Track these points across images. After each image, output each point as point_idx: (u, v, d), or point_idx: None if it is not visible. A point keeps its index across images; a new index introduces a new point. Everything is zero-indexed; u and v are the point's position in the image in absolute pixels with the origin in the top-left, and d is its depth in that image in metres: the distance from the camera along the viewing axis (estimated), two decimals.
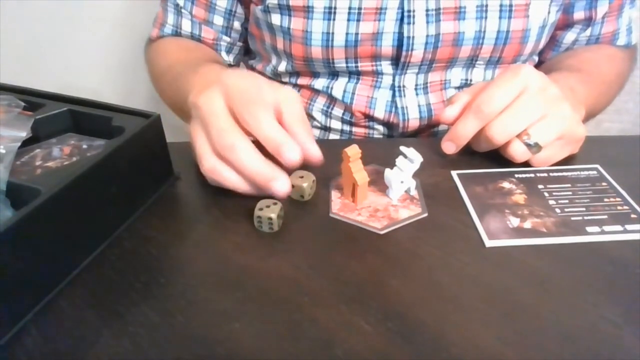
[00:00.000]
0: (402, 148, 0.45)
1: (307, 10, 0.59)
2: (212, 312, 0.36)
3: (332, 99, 0.66)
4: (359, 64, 0.62)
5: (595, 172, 0.49)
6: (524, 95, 0.46)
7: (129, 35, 1.13)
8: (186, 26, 0.70)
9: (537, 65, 0.71)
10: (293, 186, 0.45)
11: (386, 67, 0.62)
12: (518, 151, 0.48)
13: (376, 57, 0.61)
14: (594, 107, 0.61)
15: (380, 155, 0.50)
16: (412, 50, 0.59)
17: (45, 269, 0.37)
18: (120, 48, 1.18)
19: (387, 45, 0.60)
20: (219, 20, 0.69)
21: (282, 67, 0.66)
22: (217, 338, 0.34)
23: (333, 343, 0.33)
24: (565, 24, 0.67)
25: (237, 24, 0.70)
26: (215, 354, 0.33)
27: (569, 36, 0.68)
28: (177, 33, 0.71)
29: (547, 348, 0.33)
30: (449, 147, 0.50)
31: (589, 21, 0.66)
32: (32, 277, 0.36)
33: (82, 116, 0.48)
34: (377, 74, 0.63)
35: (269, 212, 0.42)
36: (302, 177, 0.46)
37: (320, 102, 0.67)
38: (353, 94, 0.65)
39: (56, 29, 1.14)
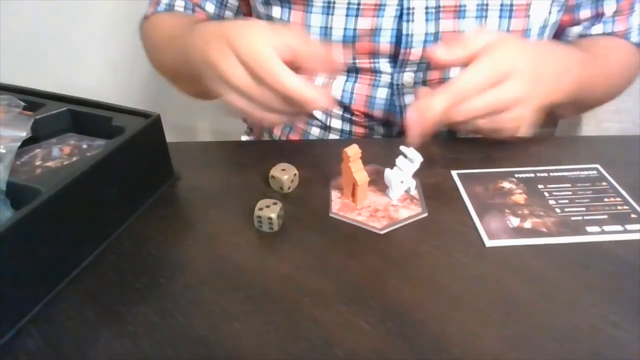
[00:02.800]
0: (402, 148, 0.45)
1: (307, 4, 0.59)
2: (212, 312, 0.36)
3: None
4: (357, 61, 0.62)
5: (595, 172, 0.49)
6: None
7: (130, 35, 1.12)
8: (179, 7, 0.70)
9: None
10: (273, 177, 0.47)
11: (384, 64, 0.62)
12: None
13: (374, 54, 0.61)
14: (589, 80, 0.58)
15: (380, 155, 0.50)
16: (410, 48, 0.59)
17: (45, 269, 0.37)
18: (120, 48, 1.18)
19: (385, 42, 0.60)
20: (210, 7, 0.70)
21: None
22: (217, 338, 0.34)
23: (333, 343, 0.33)
24: (571, 24, 0.67)
25: (228, 14, 0.70)
26: (215, 354, 0.33)
27: (575, 29, 0.67)
28: (170, 11, 0.70)
29: (547, 348, 0.33)
30: (413, 117, 0.47)
31: (595, 18, 0.66)
32: (32, 277, 0.36)
33: (82, 116, 0.48)
34: (375, 71, 0.63)
35: (269, 212, 0.42)
36: (284, 169, 0.47)
37: None
38: (352, 93, 0.65)
39: (56, 29, 1.14)
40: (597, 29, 0.67)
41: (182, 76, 0.63)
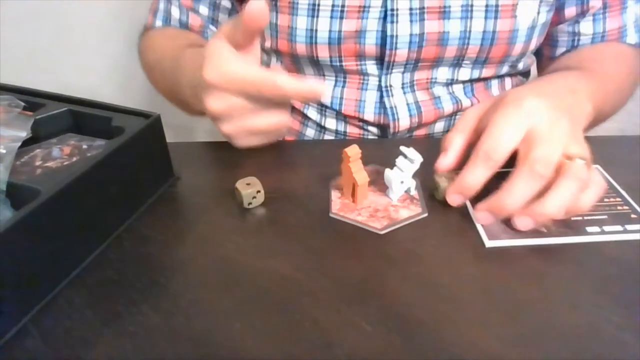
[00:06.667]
0: (402, 148, 0.45)
1: (292, 7, 0.59)
2: (212, 312, 0.36)
3: (322, 103, 0.67)
4: (344, 63, 0.62)
5: None
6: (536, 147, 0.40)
7: (129, 35, 1.13)
8: (175, 13, 0.71)
9: (537, 65, 0.71)
10: (236, 189, 0.45)
11: (371, 67, 0.62)
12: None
13: (360, 56, 0.61)
14: (602, 105, 0.56)
15: (380, 155, 0.50)
16: (395, 49, 0.59)
17: (45, 269, 0.37)
18: (120, 47, 1.18)
19: (370, 44, 0.60)
20: (204, 10, 0.70)
21: (273, 64, 0.68)
22: (217, 338, 0.34)
23: (333, 343, 0.33)
24: (557, 23, 0.65)
25: (222, 17, 0.71)
26: (215, 354, 0.33)
27: (562, 26, 0.65)
28: (167, 20, 0.72)
29: (547, 348, 0.33)
30: (457, 200, 0.44)
31: (581, 15, 0.63)
32: (32, 277, 0.36)
33: (82, 116, 0.48)
34: (363, 74, 0.63)
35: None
36: (248, 184, 0.45)
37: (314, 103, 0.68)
38: (341, 98, 0.65)
39: (56, 29, 1.14)
40: (587, 27, 0.64)
41: (175, 100, 0.67)
